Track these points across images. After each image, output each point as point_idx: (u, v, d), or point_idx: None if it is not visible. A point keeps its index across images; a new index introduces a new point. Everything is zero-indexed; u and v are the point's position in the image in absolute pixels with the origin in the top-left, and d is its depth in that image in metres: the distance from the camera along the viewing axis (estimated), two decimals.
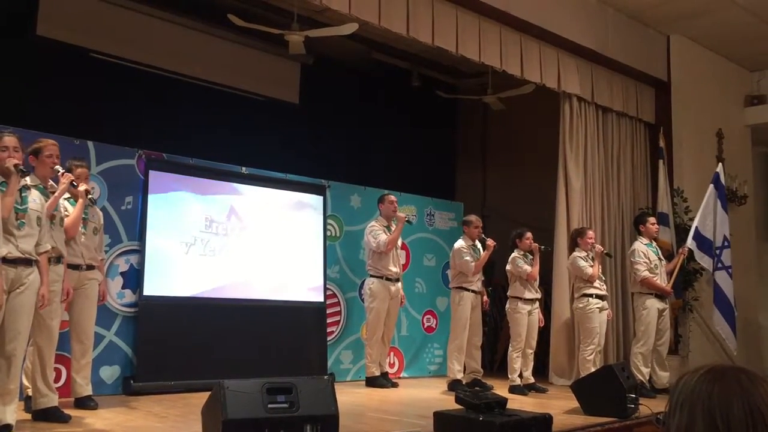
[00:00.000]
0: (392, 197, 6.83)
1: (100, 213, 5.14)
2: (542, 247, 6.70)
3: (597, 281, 6.58)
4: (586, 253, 6.65)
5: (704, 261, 7.14)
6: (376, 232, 6.60)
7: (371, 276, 6.63)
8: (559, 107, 7.56)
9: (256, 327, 6.46)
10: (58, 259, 4.37)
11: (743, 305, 8.08)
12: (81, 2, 6.68)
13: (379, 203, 6.88)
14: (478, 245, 6.65)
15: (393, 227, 6.68)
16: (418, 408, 5.29)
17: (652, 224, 6.95)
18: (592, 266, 6.57)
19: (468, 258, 6.49)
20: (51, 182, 4.46)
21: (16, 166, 3.80)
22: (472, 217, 6.80)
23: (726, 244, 7.13)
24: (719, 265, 7.14)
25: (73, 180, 4.50)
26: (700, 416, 1.26)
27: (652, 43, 8.30)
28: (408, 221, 6.73)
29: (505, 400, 4.28)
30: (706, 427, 1.25)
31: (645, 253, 6.76)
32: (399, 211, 6.81)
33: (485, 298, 6.74)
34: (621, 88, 8.09)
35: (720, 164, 7.46)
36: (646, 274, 6.68)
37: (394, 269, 6.64)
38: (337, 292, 7.22)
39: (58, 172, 4.46)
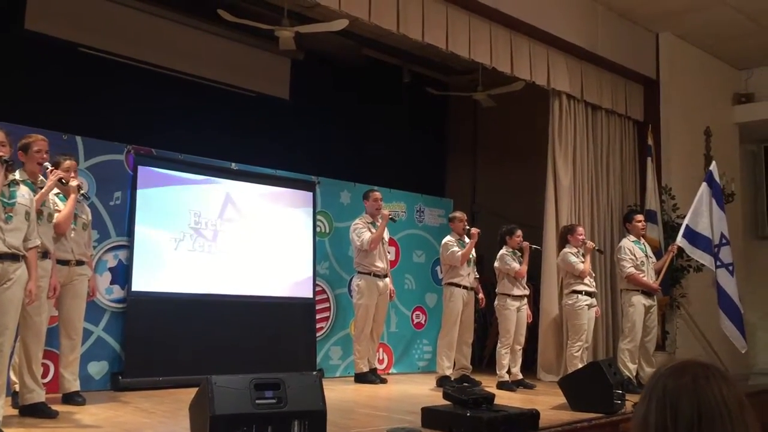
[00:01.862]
0: (377, 194, 6.82)
1: (88, 209, 5.13)
2: (533, 246, 6.73)
3: (587, 278, 6.62)
4: (576, 249, 6.68)
5: (705, 259, 7.05)
6: (359, 230, 6.60)
7: (359, 273, 6.64)
8: (548, 105, 7.59)
9: (245, 323, 6.45)
10: (45, 254, 4.35)
11: None
12: None
13: (364, 200, 6.87)
14: (467, 240, 6.67)
15: (379, 223, 6.68)
16: (406, 404, 5.30)
17: (639, 221, 6.98)
18: (583, 262, 6.60)
19: (455, 249, 6.53)
20: (41, 178, 4.45)
21: (1, 158, 3.78)
22: (457, 213, 6.88)
23: (724, 241, 7.10)
24: (719, 262, 7.11)
25: (62, 177, 4.49)
26: (654, 409, 1.30)
27: (641, 41, 8.34)
28: (392, 219, 6.73)
29: (492, 396, 4.31)
30: (657, 420, 1.29)
31: (631, 250, 6.79)
32: (385, 208, 6.82)
33: (481, 295, 6.73)
34: (610, 86, 8.12)
35: (714, 162, 7.45)
36: (632, 270, 6.72)
37: (381, 265, 6.64)
38: (327, 288, 7.23)
39: (47, 168, 4.44)
